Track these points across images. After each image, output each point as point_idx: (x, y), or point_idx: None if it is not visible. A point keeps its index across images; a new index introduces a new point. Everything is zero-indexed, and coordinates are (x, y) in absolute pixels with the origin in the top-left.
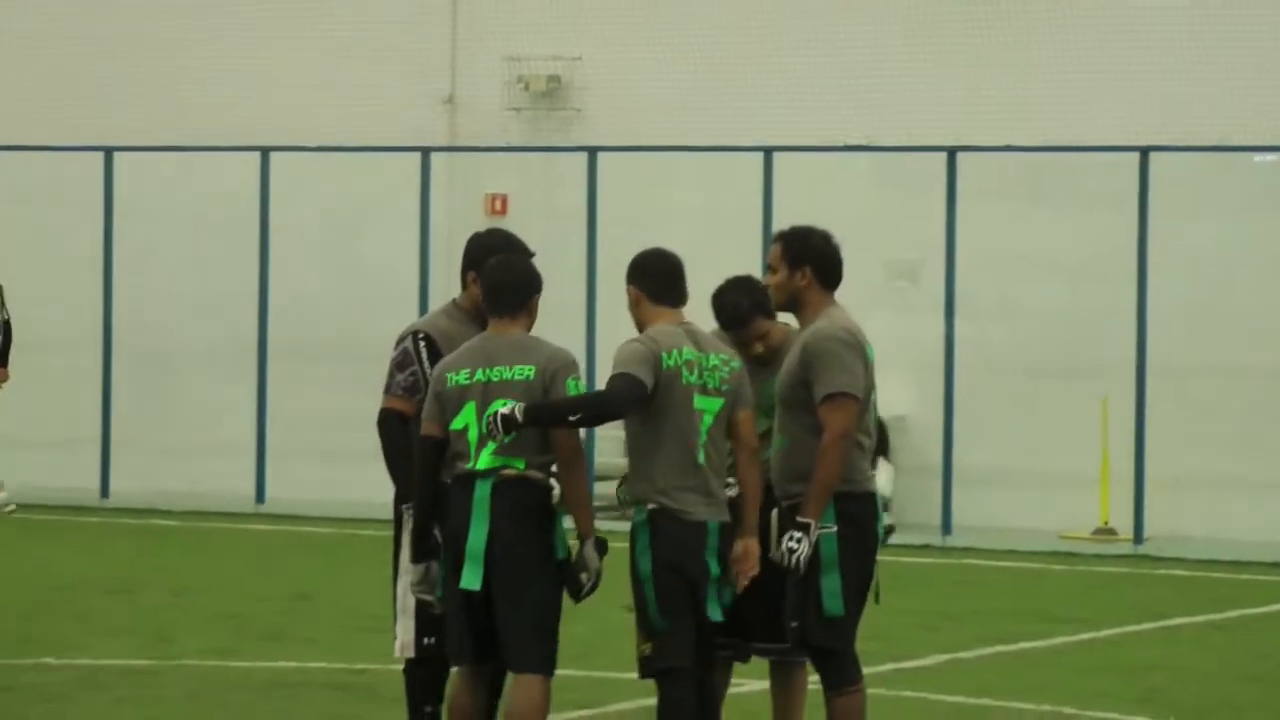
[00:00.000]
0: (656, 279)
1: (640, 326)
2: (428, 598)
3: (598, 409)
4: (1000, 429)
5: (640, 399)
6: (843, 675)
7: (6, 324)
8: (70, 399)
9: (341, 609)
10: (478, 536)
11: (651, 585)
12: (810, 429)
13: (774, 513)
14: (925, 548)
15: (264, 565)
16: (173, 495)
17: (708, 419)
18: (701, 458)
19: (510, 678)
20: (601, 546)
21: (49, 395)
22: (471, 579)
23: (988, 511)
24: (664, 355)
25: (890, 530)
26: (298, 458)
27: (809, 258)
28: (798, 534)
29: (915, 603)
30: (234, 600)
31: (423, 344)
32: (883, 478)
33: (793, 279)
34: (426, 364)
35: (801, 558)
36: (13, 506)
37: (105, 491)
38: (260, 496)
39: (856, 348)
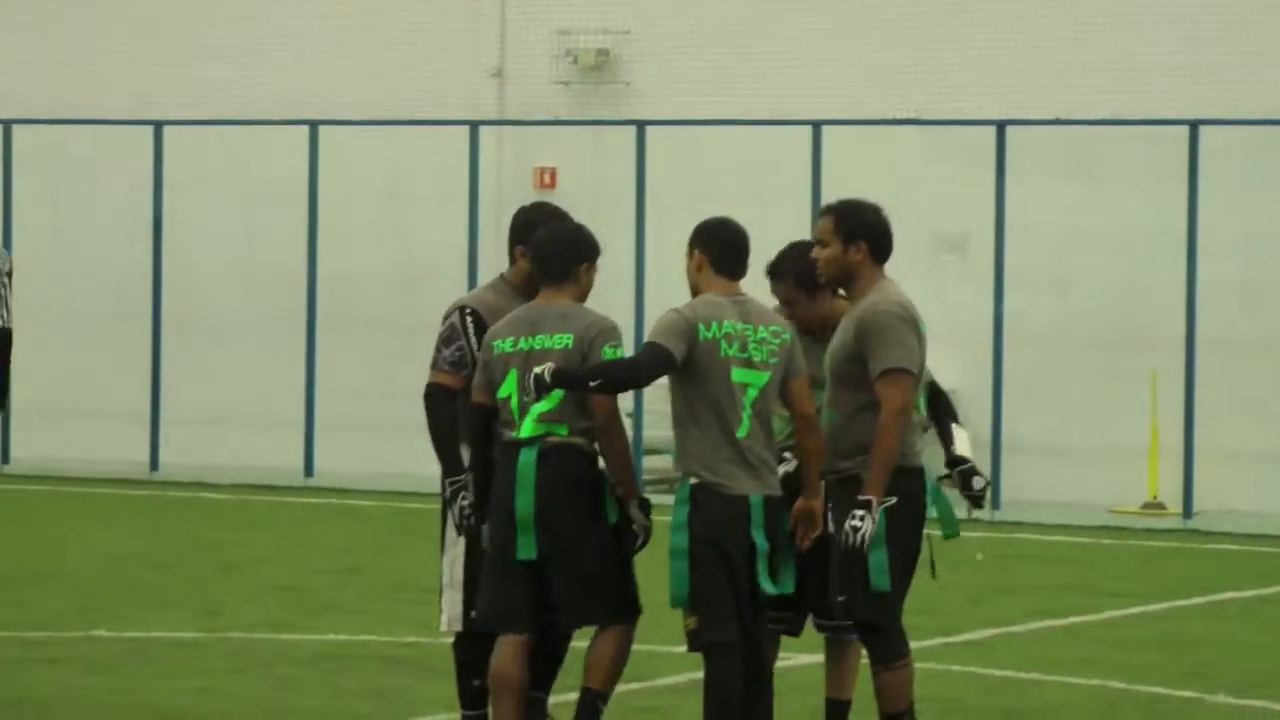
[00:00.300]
0: (722, 247)
1: (695, 292)
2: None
3: (619, 376)
4: (1049, 403)
5: (665, 370)
6: (889, 650)
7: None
8: (120, 372)
9: (390, 581)
10: (525, 505)
11: (685, 560)
12: (861, 405)
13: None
14: (974, 521)
15: (312, 538)
16: (221, 468)
17: (751, 392)
18: (743, 431)
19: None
20: (645, 507)
21: (98, 368)
22: (527, 549)
23: (1037, 485)
24: (701, 327)
25: (987, 485)
26: (346, 430)
27: (863, 232)
28: (860, 512)
29: (964, 577)
30: (282, 573)
31: (469, 319)
32: (963, 442)
33: (846, 253)
34: (473, 339)
35: (865, 535)
36: None
37: (154, 465)
38: (309, 469)
39: (911, 322)
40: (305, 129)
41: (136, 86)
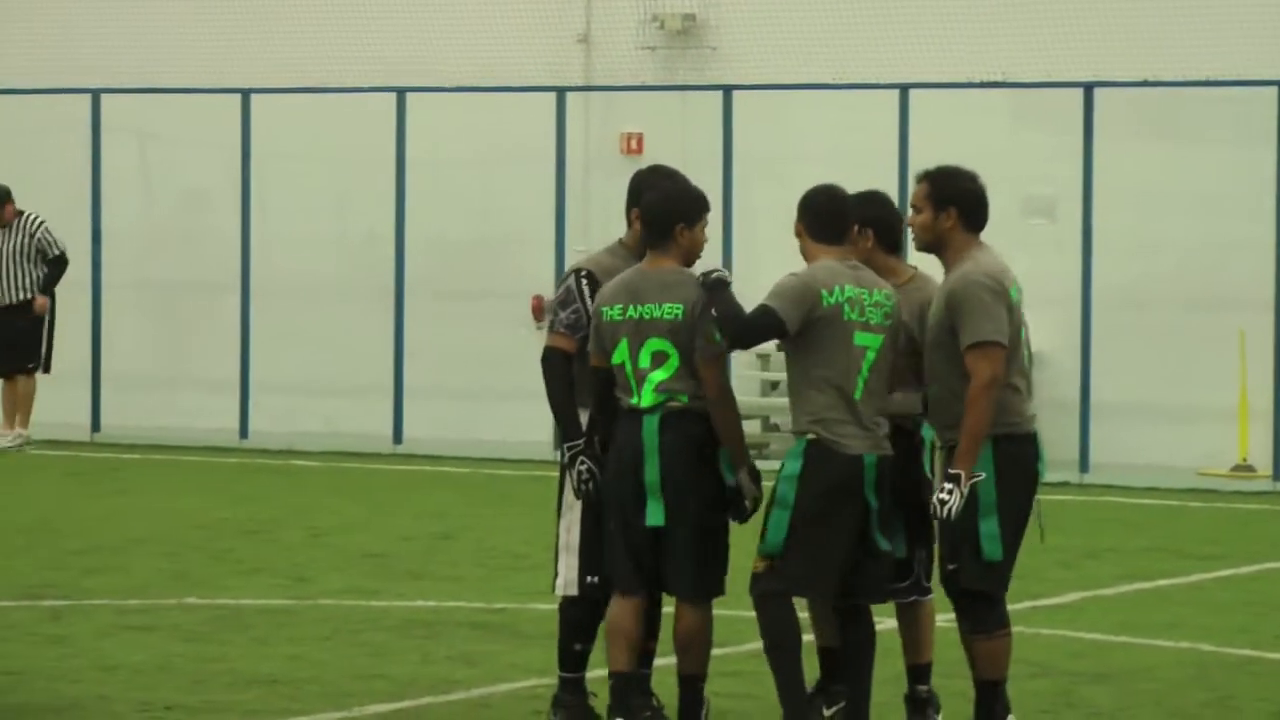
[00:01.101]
0: (816, 214)
1: (809, 262)
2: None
3: (731, 324)
4: (1138, 365)
5: (772, 336)
6: (993, 618)
7: (60, 257)
8: (210, 340)
9: (480, 548)
10: (652, 472)
11: (789, 513)
12: (961, 375)
13: (936, 453)
14: (1063, 485)
15: (402, 505)
16: (311, 436)
17: (870, 355)
18: (859, 393)
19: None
20: (756, 476)
21: (189, 336)
22: (655, 515)
23: (1125, 448)
24: (824, 293)
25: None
26: (435, 397)
27: (956, 199)
28: (949, 485)
29: (1053, 540)
30: (372, 540)
31: (585, 282)
32: None
33: (938, 220)
34: (589, 302)
35: (953, 509)
36: (19, 442)
37: (245, 432)
38: (398, 436)
39: (1001, 293)
40: (393, 96)
41: (224, 55)
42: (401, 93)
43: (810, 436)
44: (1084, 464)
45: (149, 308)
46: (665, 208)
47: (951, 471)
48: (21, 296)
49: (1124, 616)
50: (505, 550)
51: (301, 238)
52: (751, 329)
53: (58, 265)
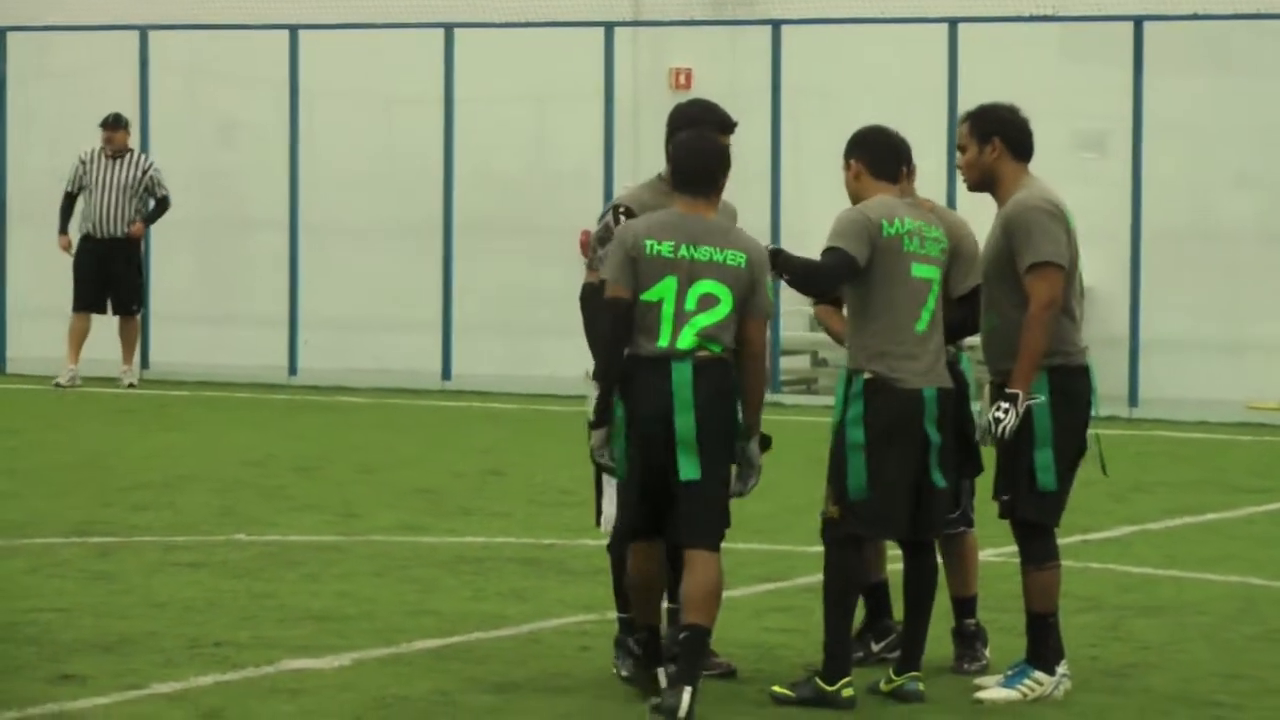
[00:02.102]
0: (879, 151)
1: (855, 201)
2: (609, 464)
3: (806, 280)
4: (1187, 300)
5: (850, 275)
6: (1046, 550)
7: (164, 199)
8: (259, 277)
9: (530, 484)
10: (686, 423)
11: (861, 454)
12: (1019, 304)
13: (986, 388)
14: (1112, 419)
15: (451, 441)
16: (360, 372)
17: (935, 287)
18: (923, 325)
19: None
20: (766, 442)
21: (237, 273)
22: (690, 469)
23: (1174, 383)
24: (884, 224)
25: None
26: (484, 333)
27: (997, 129)
28: (1005, 404)
29: (1102, 475)
30: (421, 476)
31: (623, 217)
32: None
33: (983, 154)
34: None
35: (1009, 428)
36: (67, 379)
37: (293, 369)
38: (447, 373)
39: (1059, 217)
40: (440, 32)
41: None
42: (450, 28)
43: (867, 375)
44: (1133, 398)
45: (197, 245)
46: (719, 163)
47: (1009, 391)
48: (125, 231)
49: (1172, 550)
50: (554, 486)
51: (349, 175)
52: (828, 274)
53: (162, 206)
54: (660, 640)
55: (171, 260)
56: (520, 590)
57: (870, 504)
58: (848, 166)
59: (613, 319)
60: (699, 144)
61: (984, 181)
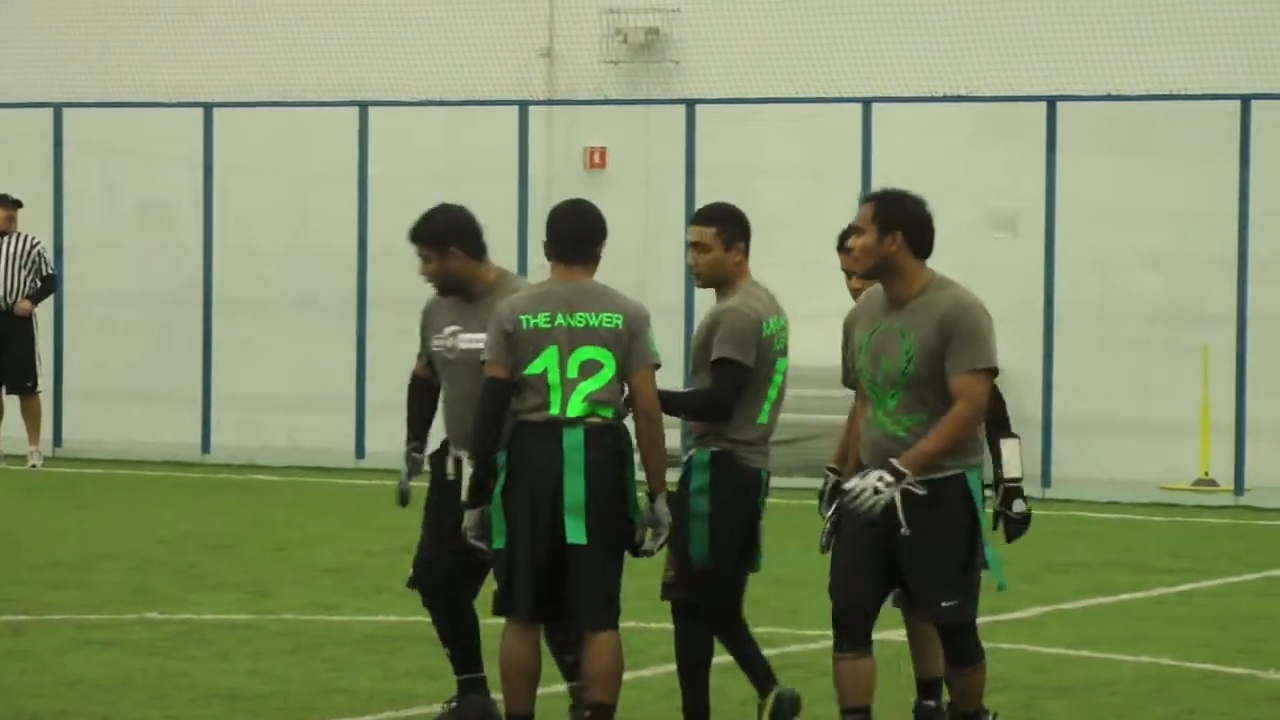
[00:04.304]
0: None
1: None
2: (481, 545)
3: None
4: (1100, 380)
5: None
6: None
7: (50, 277)
8: (171, 355)
9: None
10: (575, 489)
11: (706, 523)
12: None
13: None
14: (1029, 500)
15: (364, 520)
16: (273, 450)
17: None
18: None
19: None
20: (673, 501)
21: (150, 351)
22: (577, 533)
23: (1088, 462)
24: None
25: (1029, 512)
26: (397, 412)
27: (901, 222)
28: (890, 477)
29: (1015, 553)
30: (334, 555)
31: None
32: (1013, 460)
33: (882, 243)
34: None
35: (879, 504)
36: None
37: (206, 447)
38: (360, 451)
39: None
40: (355, 110)
41: (186, 69)
42: (364, 106)
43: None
44: (1046, 478)
45: (111, 322)
46: (580, 229)
47: (900, 467)
48: (10, 302)
49: (1085, 630)
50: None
51: (264, 252)
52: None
53: (49, 284)
54: None
55: (83, 337)
56: (431, 669)
57: (712, 569)
58: (730, 247)
59: (489, 395)
60: (573, 210)
61: (876, 270)
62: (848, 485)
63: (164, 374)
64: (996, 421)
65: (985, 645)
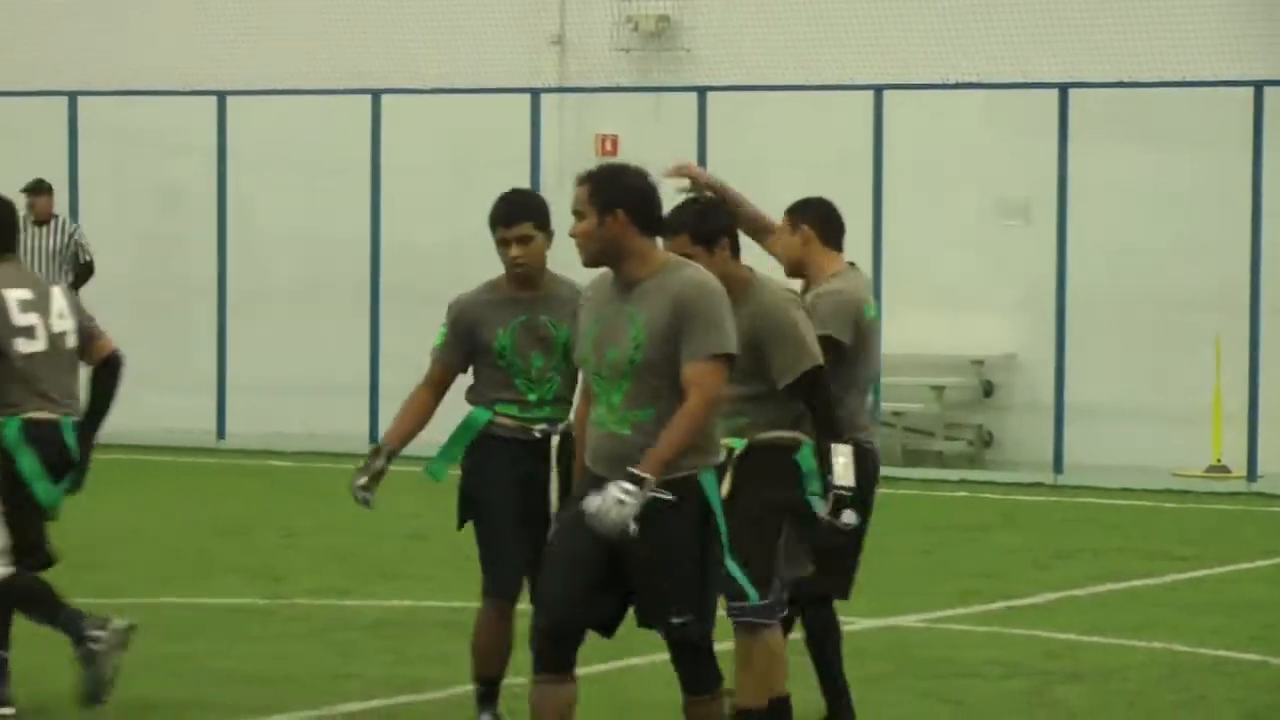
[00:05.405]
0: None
1: (794, 267)
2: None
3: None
4: (1112, 366)
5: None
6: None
7: (89, 264)
8: (187, 342)
9: (453, 549)
10: None
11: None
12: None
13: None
14: (1037, 485)
15: (377, 505)
16: (287, 437)
17: None
18: None
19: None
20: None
21: (166, 338)
22: None
23: (1100, 449)
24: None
25: (853, 526)
26: None
27: (623, 199)
28: (630, 488)
29: (1027, 540)
30: (346, 540)
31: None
32: (845, 466)
33: (603, 225)
34: None
35: (626, 518)
36: None
37: (221, 434)
38: (374, 437)
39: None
40: (368, 98)
41: (199, 58)
42: (376, 95)
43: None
44: (1058, 465)
45: (126, 309)
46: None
47: (639, 474)
48: None
49: (1097, 617)
50: (475, 553)
51: (277, 240)
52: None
53: (87, 271)
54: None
55: (102, 324)
56: (443, 654)
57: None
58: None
59: None
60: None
61: (603, 255)
62: (587, 505)
63: (179, 360)
64: (827, 425)
65: (999, 630)
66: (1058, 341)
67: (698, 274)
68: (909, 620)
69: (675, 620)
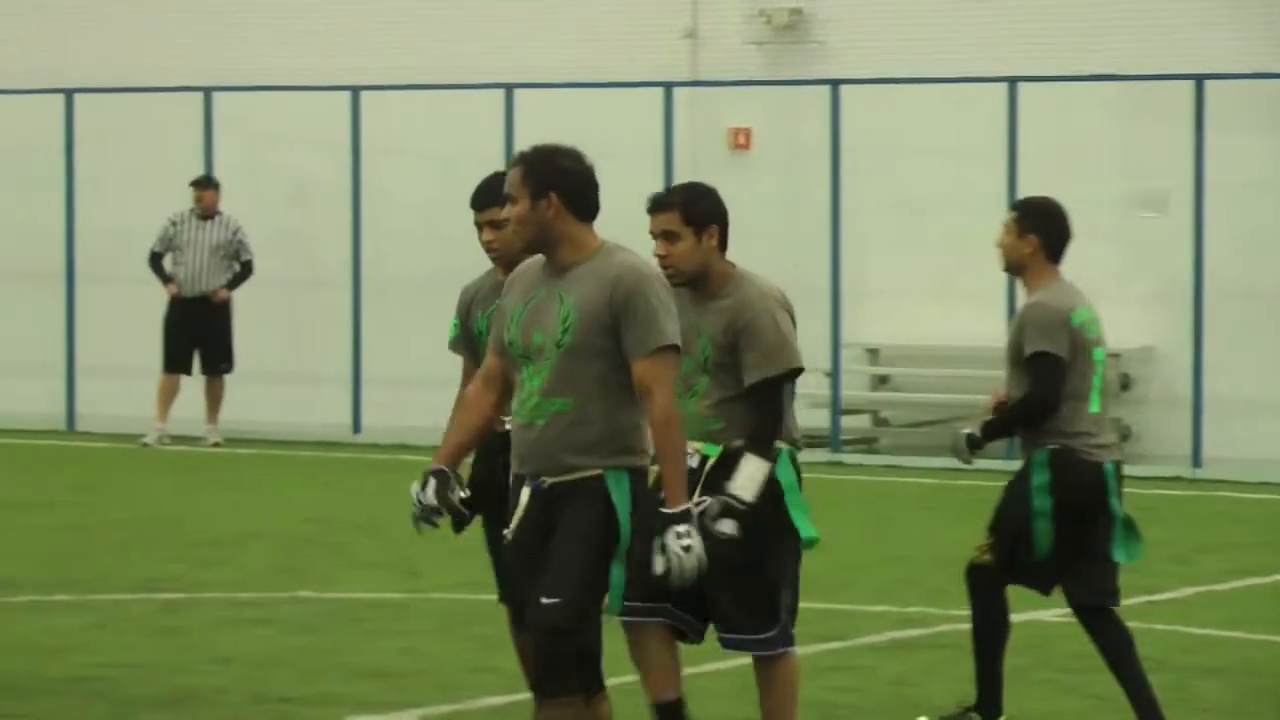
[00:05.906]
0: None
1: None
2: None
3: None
4: (1250, 359)
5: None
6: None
7: (248, 263)
8: (321, 335)
9: None
10: None
11: (1049, 520)
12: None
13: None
14: (1175, 480)
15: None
16: (421, 430)
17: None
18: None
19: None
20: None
21: (300, 333)
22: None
23: (1238, 443)
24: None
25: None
26: None
27: (555, 182)
28: (685, 528)
29: (1166, 535)
30: (482, 534)
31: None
32: (750, 474)
33: (536, 209)
34: None
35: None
36: (155, 438)
37: (357, 427)
38: None
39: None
40: (501, 93)
41: (333, 52)
42: (510, 89)
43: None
44: (1196, 459)
45: (262, 305)
46: None
47: (685, 509)
48: (211, 288)
49: (1236, 612)
50: None
51: (412, 233)
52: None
53: (246, 270)
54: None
55: (236, 319)
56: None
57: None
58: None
59: None
60: None
61: (537, 241)
62: (656, 568)
63: (314, 354)
64: (762, 436)
65: (1137, 625)
66: (1195, 334)
67: (635, 259)
68: (1048, 615)
69: (544, 599)
